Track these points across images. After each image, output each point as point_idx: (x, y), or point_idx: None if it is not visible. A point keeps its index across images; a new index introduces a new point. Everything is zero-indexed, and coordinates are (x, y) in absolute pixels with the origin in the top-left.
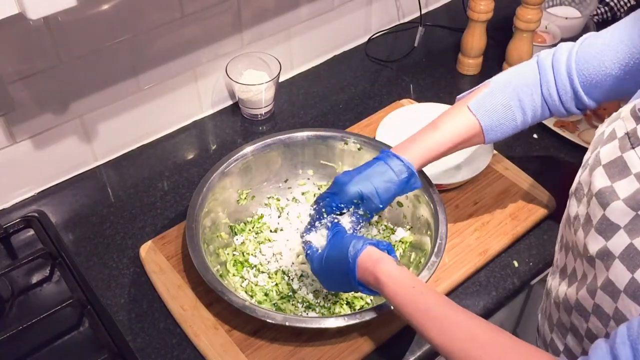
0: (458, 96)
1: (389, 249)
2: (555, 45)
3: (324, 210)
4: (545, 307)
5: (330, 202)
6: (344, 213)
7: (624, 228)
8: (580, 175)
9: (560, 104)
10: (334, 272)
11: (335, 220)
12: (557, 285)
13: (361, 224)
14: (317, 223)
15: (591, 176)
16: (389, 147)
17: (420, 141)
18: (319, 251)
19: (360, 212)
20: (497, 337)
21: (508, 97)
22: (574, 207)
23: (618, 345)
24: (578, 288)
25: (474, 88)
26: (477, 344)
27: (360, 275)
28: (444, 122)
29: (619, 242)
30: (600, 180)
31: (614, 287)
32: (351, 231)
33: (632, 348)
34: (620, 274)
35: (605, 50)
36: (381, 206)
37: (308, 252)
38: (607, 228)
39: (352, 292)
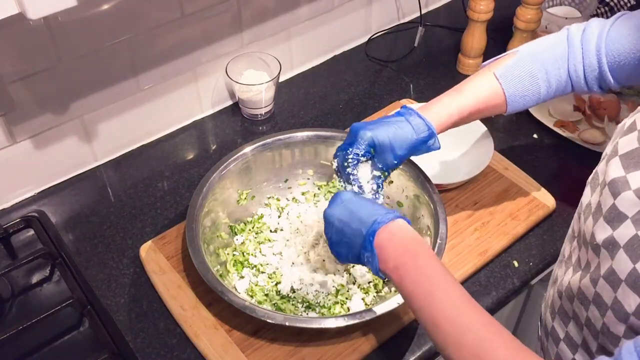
0: (483, 63)
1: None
2: None
3: (343, 162)
4: (548, 296)
5: (345, 152)
6: (362, 162)
7: (631, 218)
8: (598, 166)
9: (584, 81)
10: (352, 218)
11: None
12: (562, 274)
13: (381, 189)
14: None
15: (607, 166)
16: None
17: (444, 104)
18: (352, 191)
19: (377, 172)
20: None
21: (536, 69)
22: (587, 196)
23: (624, 356)
24: (582, 276)
25: (499, 56)
26: None
27: (380, 241)
28: (468, 87)
29: (625, 232)
30: (615, 170)
31: (615, 276)
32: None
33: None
34: (623, 264)
35: (638, 31)
36: (395, 162)
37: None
38: (615, 217)
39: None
